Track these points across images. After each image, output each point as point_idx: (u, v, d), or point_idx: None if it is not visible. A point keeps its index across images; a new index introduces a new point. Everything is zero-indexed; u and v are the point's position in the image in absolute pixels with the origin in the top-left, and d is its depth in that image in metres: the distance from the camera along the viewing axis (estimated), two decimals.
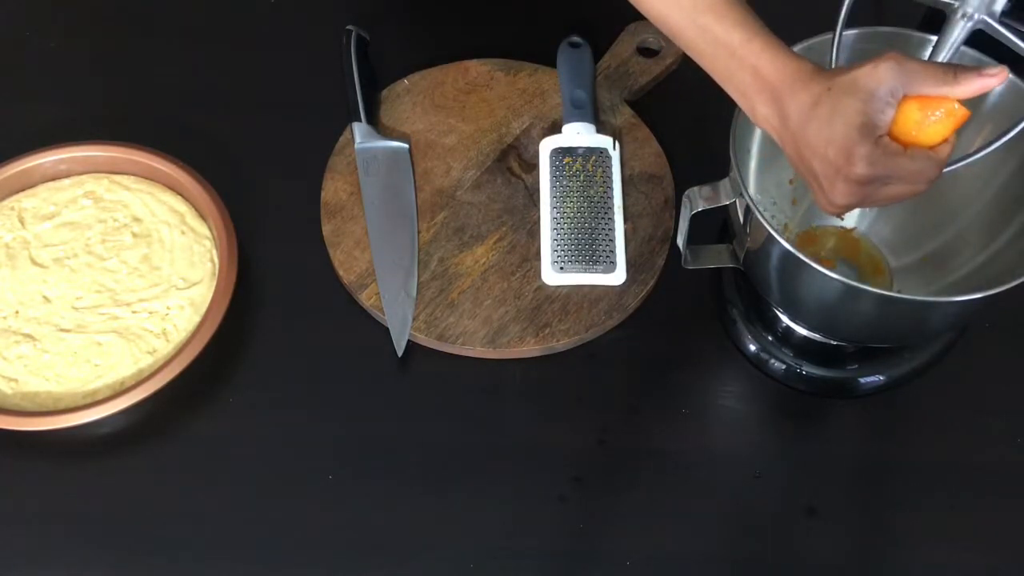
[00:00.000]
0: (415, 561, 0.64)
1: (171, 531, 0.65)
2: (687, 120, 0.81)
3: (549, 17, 0.86)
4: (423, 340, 0.70)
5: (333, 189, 0.76)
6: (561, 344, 0.70)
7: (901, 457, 0.68)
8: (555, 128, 0.78)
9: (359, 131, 0.77)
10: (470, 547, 0.65)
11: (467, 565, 0.64)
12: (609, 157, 0.76)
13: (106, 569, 0.64)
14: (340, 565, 0.64)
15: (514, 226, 0.75)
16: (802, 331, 0.69)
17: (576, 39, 0.81)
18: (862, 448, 0.69)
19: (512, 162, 0.78)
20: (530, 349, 0.70)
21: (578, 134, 0.77)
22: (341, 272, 0.72)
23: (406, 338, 0.70)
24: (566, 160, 0.76)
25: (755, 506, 0.67)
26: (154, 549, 0.65)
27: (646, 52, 0.83)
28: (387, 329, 0.71)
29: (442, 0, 0.87)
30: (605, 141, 0.77)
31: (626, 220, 0.75)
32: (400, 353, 0.70)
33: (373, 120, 0.78)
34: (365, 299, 0.71)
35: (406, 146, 0.78)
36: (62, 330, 0.70)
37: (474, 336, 0.70)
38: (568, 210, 0.74)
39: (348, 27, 0.81)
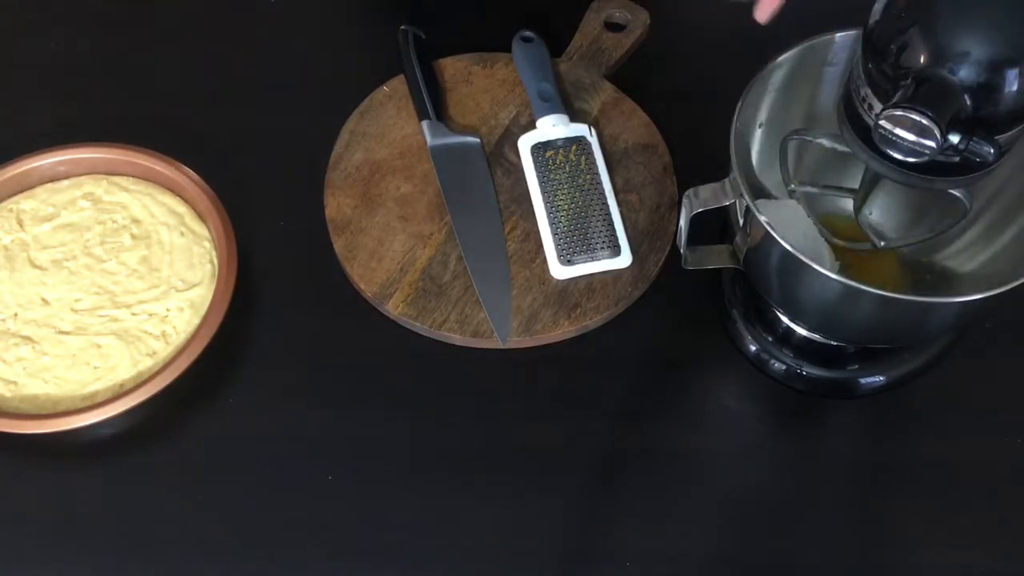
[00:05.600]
0: (415, 561, 0.64)
1: (171, 531, 0.65)
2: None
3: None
4: (458, 340, 0.70)
5: (336, 205, 0.75)
6: (594, 322, 0.71)
7: (901, 457, 0.68)
8: None
9: (429, 129, 0.77)
10: (470, 547, 0.65)
11: (467, 565, 0.64)
12: (589, 143, 0.76)
13: (106, 569, 0.64)
14: (340, 565, 0.64)
15: (524, 215, 0.75)
16: (802, 332, 0.69)
17: (527, 33, 0.82)
18: (862, 448, 0.69)
19: (508, 151, 0.78)
20: (564, 332, 0.71)
21: (553, 126, 0.77)
22: (362, 285, 0.72)
23: (509, 327, 0.70)
24: (548, 154, 0.76)
25: (755, 506, 0.67)
26: (154, 549, 0.65)
27: (614, 27, 0.84)
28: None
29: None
30: (581, 129, 0.77)
31: (630, 192, 0.76)
32: (504, 343, 0.70)
33: (441, 117, 0.78)
34: (392, 308, 0.71)
35: (478, 140, 0.78)
36: (61, 332, 0.70)
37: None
38: (561, 203, 0.75)
39: (403, 27, 0.81)
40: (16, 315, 0.70)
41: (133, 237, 0.73)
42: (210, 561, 0.64)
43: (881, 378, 0.70)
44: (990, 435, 0.69)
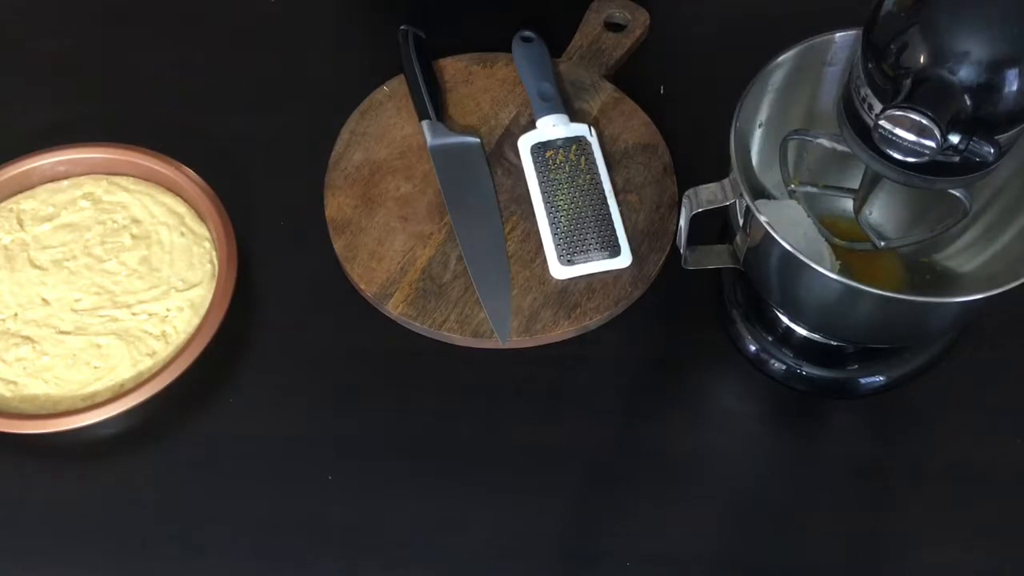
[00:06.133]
0: (415, 561, 0.64)
1: (171, 532, 0.65)
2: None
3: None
4: (458, 340, 0.70)
5: (336, 205, 0.75)
6: (594, 322, 0.71)
7: (901, 457, 0.68)
8: None
9: (429, 129, 0.77)
10: (470, 547, 0.65)
11: (467, 565, 0.64)
12: (589, 143, 0.76)
13: (106, 570, 0.64)
14: (340, 565, 0.64)
15: (524, 215, 0.75)
16: (802, 332, 0.69)
17: (527, 33, 0.82)
18: (862, 448, 0.69)
19: (508, 151, 0.78)
20: (564, 332, 0.71)
21: (553, 126, 0.77)
22: (363, 285, 0.72)
23: (509, 327, 0.70)
24: (548, 154, 0.76)
25: (755, 506, 0.67)
26: (154, 549, 0.65)
27: (614, 27, 0.84)
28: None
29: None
30: (581, 129, 0.77)
31: (630, 192, 0.76)
32: (504, 343, 0.70)
33: (441, 117, 0.78)
34: (392, 308, 0.71)
35: (478, 140, 0.78)
36: (61, 332, 0.70)
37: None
38: (561, 203, 0.75)
39: (403, 27, 0.81)
40: (16, 315, 0.70)
41: (133, 237, 0.73)
42: (210, 561, 0.64)
43: (881, 378, 0.70)
44: (990, 435, 0.69)
